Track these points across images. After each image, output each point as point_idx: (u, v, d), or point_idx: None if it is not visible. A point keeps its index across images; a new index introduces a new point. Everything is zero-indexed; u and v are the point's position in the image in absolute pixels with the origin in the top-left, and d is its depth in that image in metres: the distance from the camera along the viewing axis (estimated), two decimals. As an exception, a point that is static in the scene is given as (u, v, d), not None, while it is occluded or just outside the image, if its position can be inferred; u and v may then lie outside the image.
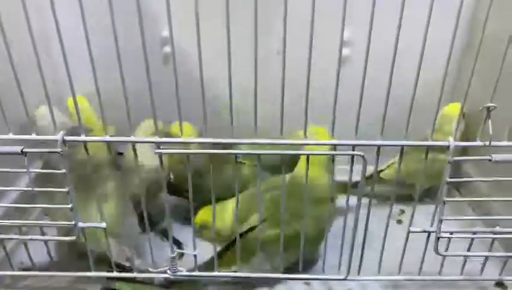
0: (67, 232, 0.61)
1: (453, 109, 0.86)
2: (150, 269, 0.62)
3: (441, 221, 0.57)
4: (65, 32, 0.47)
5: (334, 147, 0.55)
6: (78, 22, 0.46)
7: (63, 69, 0.49)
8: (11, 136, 0.53)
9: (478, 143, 0.53)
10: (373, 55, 0.48)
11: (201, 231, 0.77)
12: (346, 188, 0.58)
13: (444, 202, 0.55)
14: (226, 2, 0.45)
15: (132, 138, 0.53)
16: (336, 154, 0.55)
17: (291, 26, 0.47)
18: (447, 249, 0.61)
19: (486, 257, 0.63)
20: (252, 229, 0.66)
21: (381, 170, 0.89)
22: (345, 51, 0.91)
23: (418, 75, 0.50)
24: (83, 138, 0.53)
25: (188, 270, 0.63)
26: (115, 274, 0.64)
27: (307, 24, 0.46)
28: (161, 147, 0.53)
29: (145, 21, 0.46)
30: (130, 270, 0.64)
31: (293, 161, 0.67)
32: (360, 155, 0.53)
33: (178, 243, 0.77)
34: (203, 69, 0.49)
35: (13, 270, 0.66)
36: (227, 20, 0.45)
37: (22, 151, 0.52)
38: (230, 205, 0.75)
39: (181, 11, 0.49)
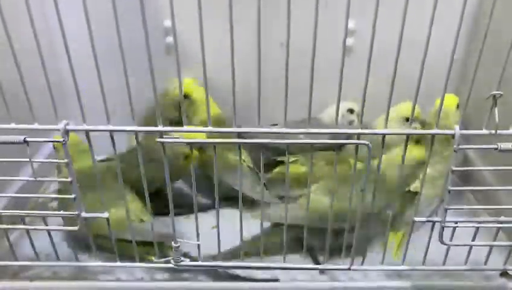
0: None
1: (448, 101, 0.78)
2: (154, 259, 0.62)
3: (446, 210, 0.56)
4: (66, 23, 0.47)
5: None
6: (79, 12, 0.45)
7: (65, 60, 0.48)
8: (13, 125, 0.53)
9: (484, 131, 0.52)
10: (378, 45, 0.48)
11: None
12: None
13: (449, 191, 0.55)
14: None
15: (135, 128, 0.53)
16: (341, 143, 0.54)
17: (295, 18, 0.46)
18: (451, 239, 0.60)
19: (491, 247, 0.63)
20: None
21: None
22: (349, 41, 0.90)
23: (423, 64, 0.49)
24: (84, 127, 0.53)
25: (191, 261, 0.63)
26: (118, 264, 0.64)
27: (311, 14, 0.45)
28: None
29: (147, 11, 0.45)
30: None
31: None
32: (365, 144, 0.53)
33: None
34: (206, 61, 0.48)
35: (17, 260, 0.66)
36: (230, 11, 0.45)
37: (24, 140, 0.52)
38: None
39: (184, 1, 0.48)
